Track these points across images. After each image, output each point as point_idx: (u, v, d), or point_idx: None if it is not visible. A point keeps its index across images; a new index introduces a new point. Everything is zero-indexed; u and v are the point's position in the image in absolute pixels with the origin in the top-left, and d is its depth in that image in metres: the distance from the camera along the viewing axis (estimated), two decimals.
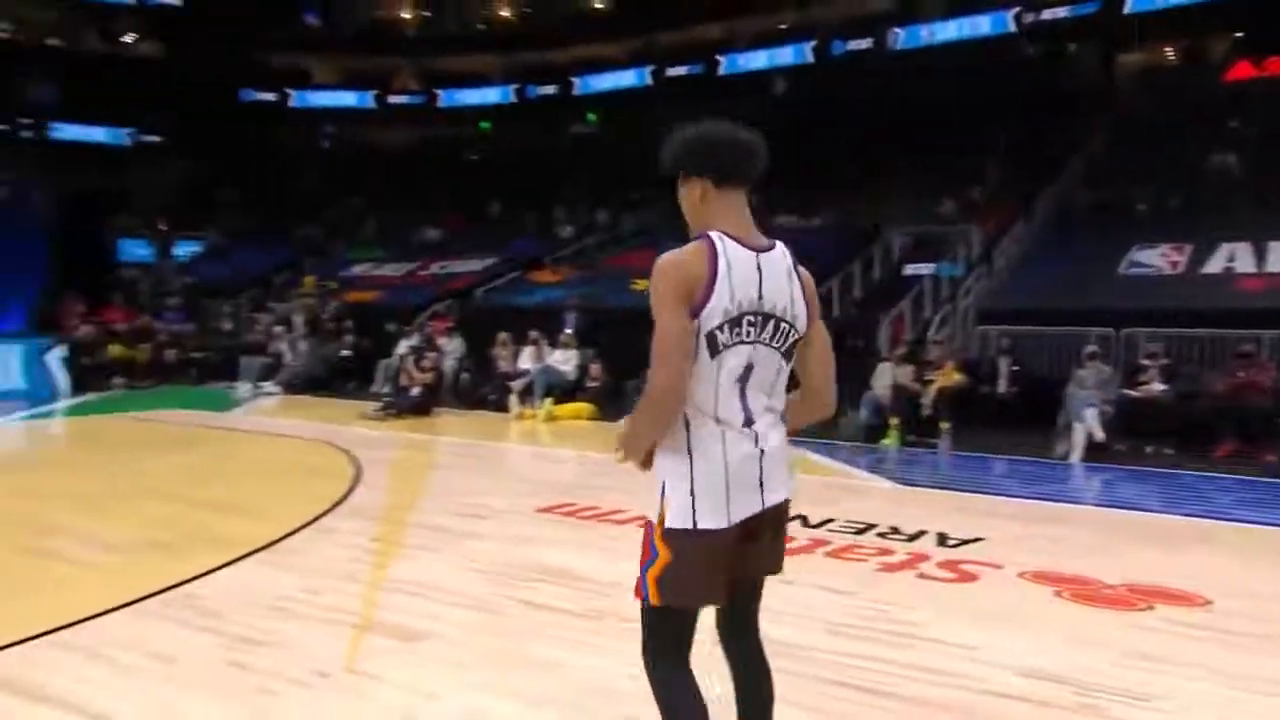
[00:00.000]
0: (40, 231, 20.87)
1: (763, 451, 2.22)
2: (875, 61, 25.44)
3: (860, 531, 5.88)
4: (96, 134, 28.90)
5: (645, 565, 2.18)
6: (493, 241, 23.10)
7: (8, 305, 17.53)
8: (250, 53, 31.23)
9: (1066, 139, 19.58)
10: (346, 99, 32.26)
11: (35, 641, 3.74)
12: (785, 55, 27.19)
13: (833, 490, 7.54)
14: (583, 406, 12.25)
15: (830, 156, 21.80)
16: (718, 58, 28.12)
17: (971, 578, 4.96)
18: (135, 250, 23.87)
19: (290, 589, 4.50)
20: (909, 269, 15.74)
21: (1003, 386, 10.95)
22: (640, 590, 2.19)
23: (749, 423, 2.21)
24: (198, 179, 28.62)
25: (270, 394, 14.40)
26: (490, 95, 31.81)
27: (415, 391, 12.00)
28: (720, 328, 2.13)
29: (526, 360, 13.21)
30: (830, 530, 5.89)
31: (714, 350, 2.14)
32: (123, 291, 19.21)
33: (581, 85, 30.56)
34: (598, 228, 23.76)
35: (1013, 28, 23.22)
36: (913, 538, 5.73)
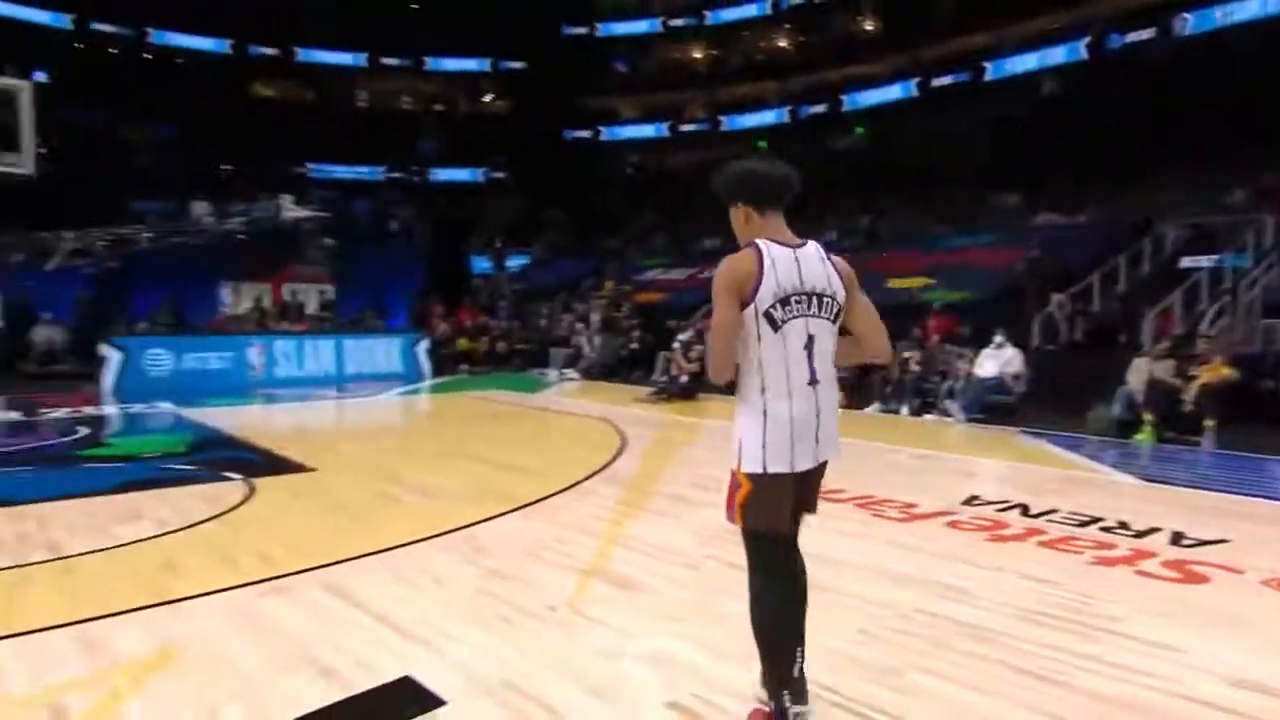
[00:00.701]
0: (419, 253, 23.71)
1: (819, 410, 2.50)
2: (1155, 51, 22.64)
3: (1083, 524, 5.22)
4: (461, 175, 32.27)
5: (732, 494, 2.53)
6: None
7: (395, 309, 20.15)
8: (573, 100, 33.25)
9: None
10: (646, 130, 33.55)
11: (363, 560, 4.35)
12: (1057, 55, 24.88)
13: (1064, 483, 6.75)
14: None
15: (1099, 152, 19.53)
16: (983, 64, 26.25)
17: (1201, 579, 4.24)
18: (481, 264, 26.07)
19: (544, 538, 4.85)
20: (1185, 261, 13.70)
21: None
22: (730, 513, 2.56)
23: (813, 382, 2.49)
24: (529, 205, 30.77)
25: (571, 379, 15.33)
26: (767, 117, 31.79)
27: (684, 379, 12.31)
28: (774, 306, 2.42)
29: None
30: (1050, 521, 5.32)
31: (774, 326, 2.44)
32: (470, 297, 21.25)
33: (849, 101, 29.76)
34: (859, 231, 23.06)
35: None
36: (1141, 534, 5.01)
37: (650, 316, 17.63)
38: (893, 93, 28.62)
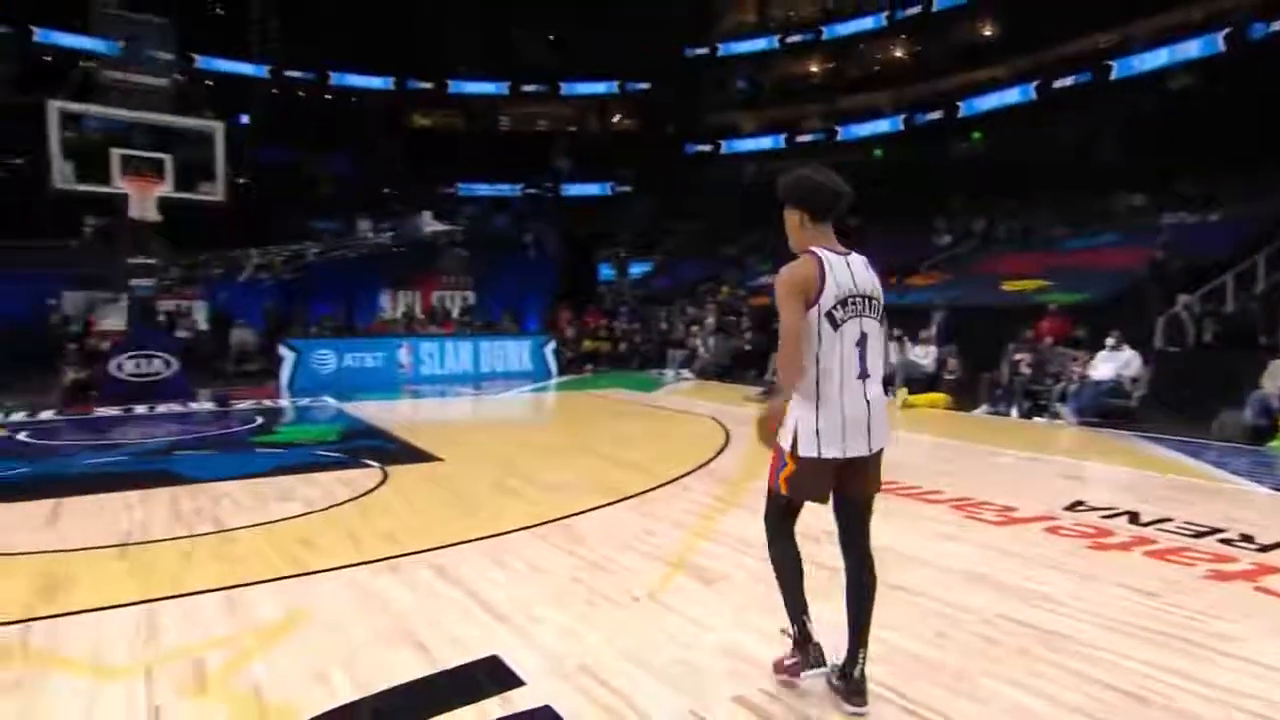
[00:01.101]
0: (550, 262, 24.28)
1: (869, 402, 2.59)
2: None
3: (1200, 535, 4.69)
4: (590, 189, 32.73)
5: (778, 470, 2.66)
6: (875, 251, 22.07)
7: (529, 313, 20.71)
8: (694, 116, 33.05)
9: None
10: (764, 143, 32.85)
11: (470, 545, 4.44)
12: (1190, 49, 22.41)
13: (1183, 490, 6.08)
14: (939, 396, 11.32)
15: (1236, 148, 17.44)
16: (1108, 63, 24.25)
17: None
18: (606, 272, 26.35)
19: (637, 530, 4.80)
20: None
21: None
22: (773, 483, 2.70)
23: (863, 376, 2.58)
24: (652, 215, 30.79)
25: (686, 379, 15.21)
26: (882, 126, 30.47)
27: None
28: (835, 307, 2.50)
29: (890, 354, 12.63)
30: (1161, 530, 4.80)
31: (835, 325, 2.51)
32: (596, 302, 21.53)
33: (966, 107, 28.25)
34: (973, 234, 21.88)
35: None
36: (1267, 549, 4.43)
37: (764, 319, 17.33)
38: (1011, 96, 26.94)
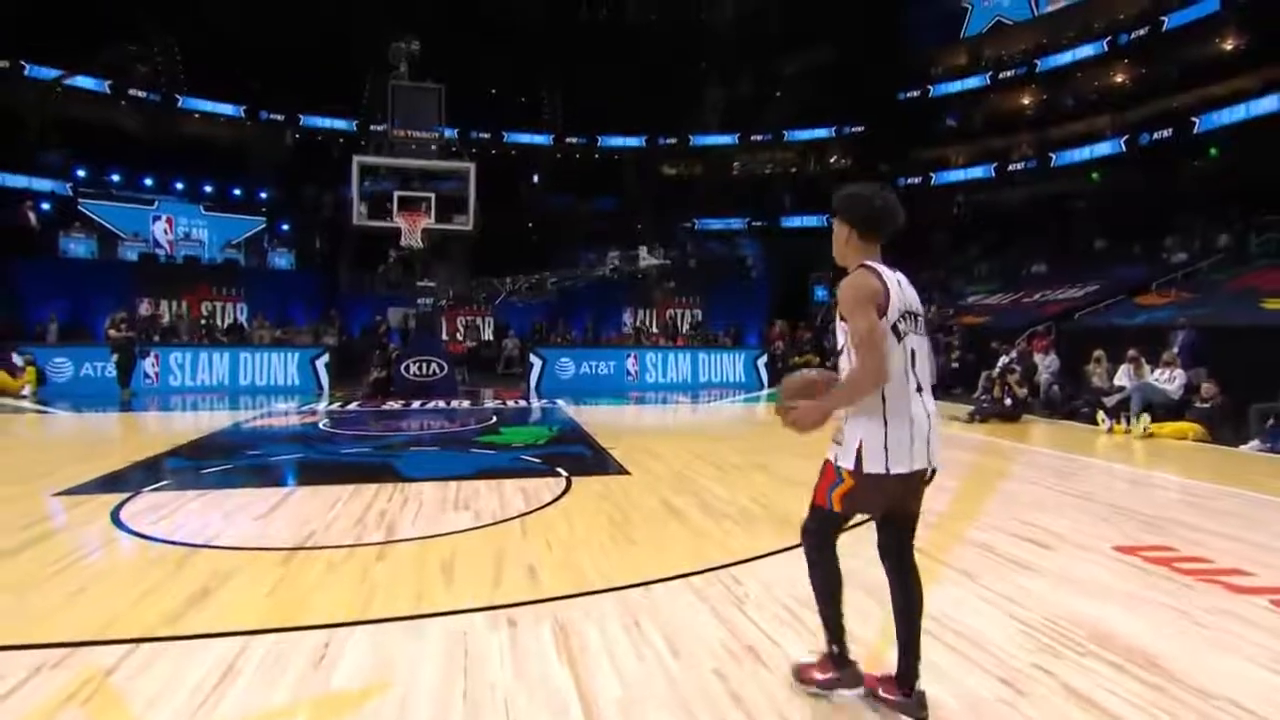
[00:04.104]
0: (767, 285, 22.63)
1: (929, 415, 2.16)
2: None
3: None
4: (809, 220, 30.41)
5: (831, 487, 2.18)
6: (1094, 272, 17.99)
7: (750, 329, 19.26)
8: (906, 153, 29.74)
9: None
10: (974, 173, 28.58)
11: (611, 595, 3.13)
12: None
13: None
14: (1188, 426, 8.15)
15: None
16: None
17: None
18: (820, 293, 24.16)
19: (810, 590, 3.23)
20: None
21: None
22: (823, 500, 2.20)
23: (919, 390, 2.16)
24: None
25: None
26: (1101, 149, 24.94)
27: (1007, 401, 9.38)
28: (898, 321, 2.10)
29: (1123, 377, 9.43)
30: None
31: (899, 338, 2.11)
32: (809, 320, 19.56)
33: (1203, 122, 22.07)
34: (1217, 250, 16.93)
35: None
36: None
37: (972, 338, 14.39)
38: (1262, 106, 20.51)
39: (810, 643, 2.68)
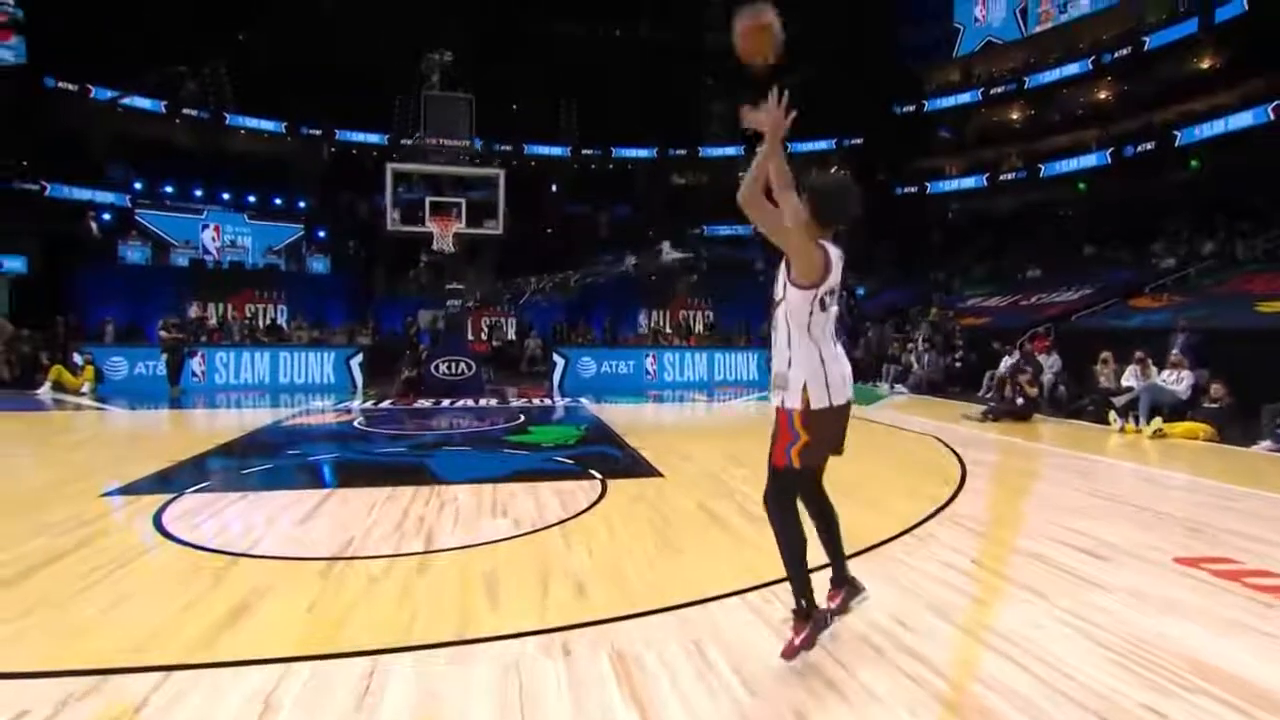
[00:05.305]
0: None
1: (844, 363, 2.32)
2: None
3: None
4: None
5: (789, 445, 2.28)
6: (1086, 276, 17.49)
7: (758, 332, 18.72)
8: (899, 165, 29.16)
9: None
10: (966, 183, 28.01)
11: (667, 614, 2.74)
12: None
13: None
14: (1198, 427, 7.66)
15: None
16: None
17: None
18: None
19: (881, 613, 2.77)
20: None
21: None
22: (783, 460, 2.29)
23: (833, 345, 2.29)
24: (863, 247, 27.43)
25: (900, 393, 12.38)
26: (1087, 161, 24.32)
27: (1019, 401, 8.93)
28: (826, 295, 2.23)
29: (1130, 378, 8.94)
30: None
31: (824, 308, 2.25)
32: None
33: (1184, 136, 21.45)
34: (1203, 257, 16.47)
35: None
36: None
37: (973, 338, 13.93)
38: (1239, 121, 19.88)
39: (896, 676, 2.30)
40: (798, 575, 2.34)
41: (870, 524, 3.96)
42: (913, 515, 4.24)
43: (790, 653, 2.32)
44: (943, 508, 4.48)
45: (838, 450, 2.37)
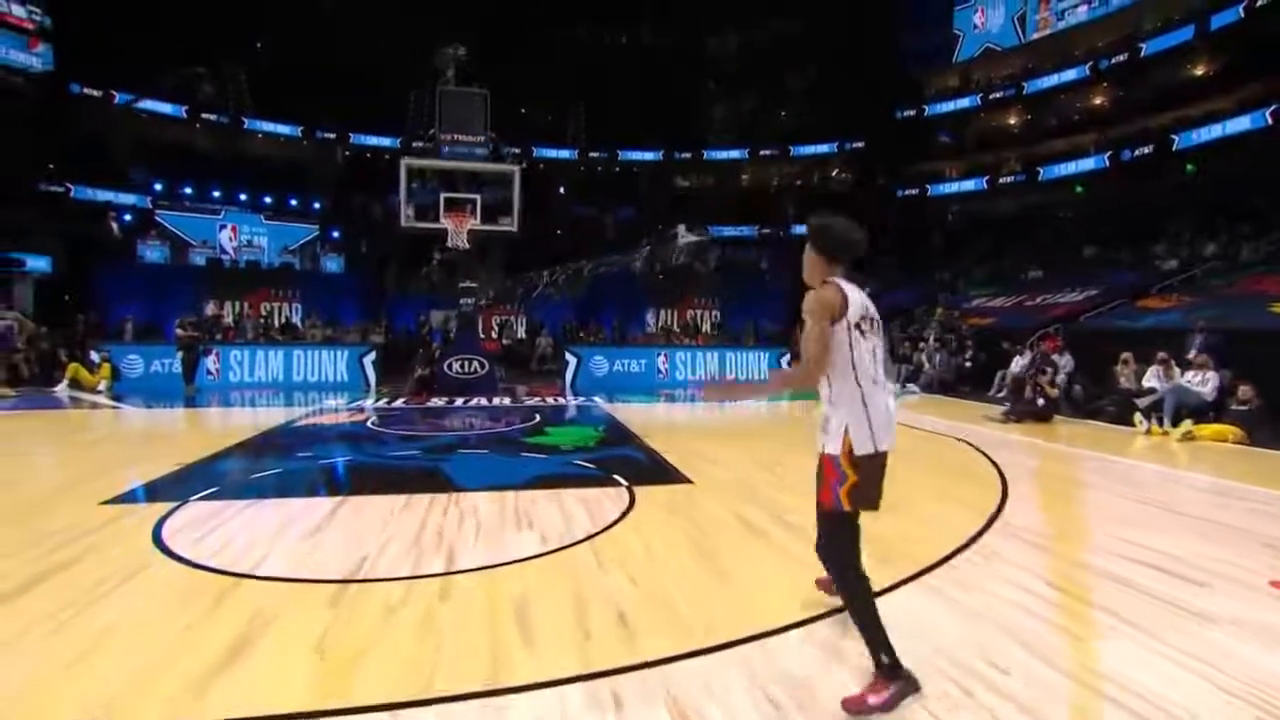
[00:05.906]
0: (781, 289, 21.54)
1: (889, 403, 2.13)
2: None
3: None
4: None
5: (836, 484, 2.07)
6: (1089, 278, 17.00)
7: (763, 332, 18.23)
8: (900, 168, 28.61)
9: None
10: (967, 186, 27.43)
11: (725, 652, 2.32)
12: None
13: None
14: (1227, 429, 7.21)
15: None
16: None
17: None
18: None
19: (961, 643, 2.36)
20: None
21: None
22: (831, 500, 2.08)
23: (878, 382, 2.11)
24: (866, 248, 26.98)
25: (912, 393, 11.91)
26: (1085, 164, 23.79)
27: (1040, 402, 8.46)
28: (859, 322, 2.07)
29: (1152, 379, 8.48)
30: None
31: (863, 335, 2.08)
32: None
33: (1182, 140, 20.90)
34: (1205, 258, 16.00)
35: None
36: None
37: (981, 339, 13.46)
38: (1236, 125, 19.36)
39: None
40: (874, 634, 2.06)
41: (923, 537, 3.53)
42: (963, 526, 3.80)
43: (857, 708, 1.98)
44: (994, 518, 4.04)
45: (874, 505, 2.12)
